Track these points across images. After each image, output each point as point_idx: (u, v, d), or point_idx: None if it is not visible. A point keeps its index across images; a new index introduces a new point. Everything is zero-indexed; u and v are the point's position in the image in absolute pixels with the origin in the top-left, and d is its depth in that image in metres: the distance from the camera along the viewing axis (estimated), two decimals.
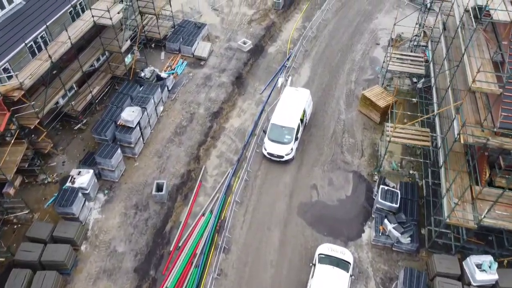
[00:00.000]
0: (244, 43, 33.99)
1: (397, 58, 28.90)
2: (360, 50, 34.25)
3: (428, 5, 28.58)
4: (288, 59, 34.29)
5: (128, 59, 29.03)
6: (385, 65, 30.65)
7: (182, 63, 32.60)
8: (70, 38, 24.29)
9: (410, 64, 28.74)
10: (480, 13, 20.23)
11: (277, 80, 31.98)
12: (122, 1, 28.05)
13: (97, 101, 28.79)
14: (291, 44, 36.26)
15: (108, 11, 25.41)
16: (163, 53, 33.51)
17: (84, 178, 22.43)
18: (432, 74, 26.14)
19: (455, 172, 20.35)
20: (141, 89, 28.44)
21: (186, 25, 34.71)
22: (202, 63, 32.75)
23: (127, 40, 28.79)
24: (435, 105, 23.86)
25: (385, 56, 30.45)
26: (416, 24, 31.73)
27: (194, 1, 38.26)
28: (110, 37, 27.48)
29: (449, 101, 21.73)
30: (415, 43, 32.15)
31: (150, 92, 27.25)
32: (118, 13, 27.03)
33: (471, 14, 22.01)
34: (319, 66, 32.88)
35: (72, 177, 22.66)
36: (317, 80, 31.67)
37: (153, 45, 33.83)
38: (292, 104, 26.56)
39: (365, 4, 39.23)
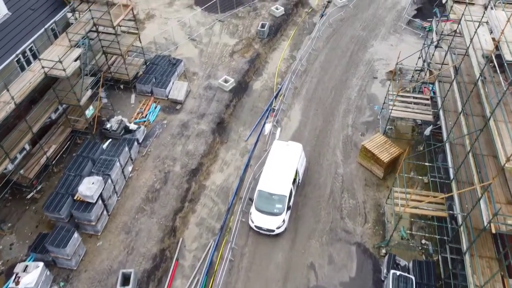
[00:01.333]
0: (226, 81, 30.05)
1: (400, 101, 25.27)
2: (356, 85, 30.55)
3: (435, 42, 24.94)
4: (275, 97, 30.50)
5: (89, 111, 24.88)
6: (385, 105, 27.09)
7: (155, 107, 28.53)
8: (13, 99, 20.15)
9: (415, 107, 25.13)
10: (510, 70, 16.64)
11: (264, 125, 28.15)
12: (79, 45, 23.91)
13: (54, 162, 24.63)
14: (278, 78, 32.47)
15: (61, 61, 21.29)
16: (133, 96, 29.40)
17: (31, 277, 18.28)
18: (443, 126, 22.51)
19: (482, 259, 16.76)
20: (105, 146, 24.38)
21: (159, 62, 30.65)
22: (178, 107, 28.71)
23: (87, 89, 24.65)
24: (451, 171, 20.15)
25: (385, 97, 26.78)
26: (419, 57, 28.15)
27: (168, 31, 34.22)
28: (66, 88, 23.36)
29: (471, 170, 18.09)
30: (420, 81, 28.58)
31: (116, 152, 23.19)
32: (76, 60, 22.93)
33: (494, 62, 18.49)
34: (311, 107, 29.08)
35: (16, 274, 18.48)
36: (310, 125, 27.87)
37: (122, 86, 29.70)
38: (283, 164, 22.72)
39: (358, 30, 35.58)
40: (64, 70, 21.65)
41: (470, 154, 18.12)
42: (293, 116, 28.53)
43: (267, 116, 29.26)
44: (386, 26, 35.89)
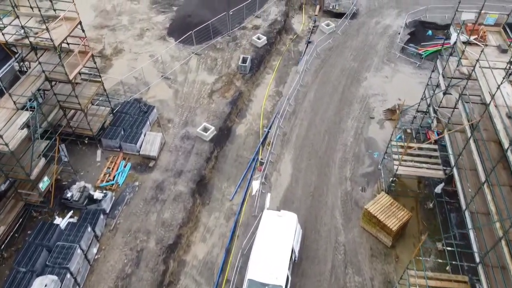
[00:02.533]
0: (205, 129, 26.49)
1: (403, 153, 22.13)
2: (351, 128, 27.34)
3: (442, 89, 21.79)
4: (262, 143, 27.10)
5: (44, 182, 21.01)
6: (387, 153, 23.98)
7: (125, 166, 24.76)
8: None
9: (422, 161, 22.03)
10: None
11: (250, 181, 24.70)
12: (28, 107, 20.06)
13: (3, 246, 20.69)
14: (264, 119, 29.08)
15: (1, 136, 17.45)
16: (99, 152, 25.55)
17: None
18: (460, 191, 19.39)
19: None
20: (63, 224, 20.58)
21: (128, 109, 26.91)
22: (151, 163, 25.01)
23: (40, 157, 20.77)
24: (476, 257, 16.92)
25: (387, 146, 23.63)
26: (422, 99, 25.11)
27: (139, 68, 30.43)
28: (11, 162, 19.47)
29: (504, 257, 14.97)
30: (426, 122, 25.58)
31: (77, 235, 19.41)
32: (22, 128, 19.10)
33: None
34: (302, 157, 25.73)
35: None
36: (303, 180, 24.51)
37: (86, 141, 25.84)
38: (276, 243, 19.27)
39: (349, 60, 32.44)
40: (6, 144, 17.81)
41: (504, 242, 15.01)
42: (283, 169, 25.11)
43: (254, 168, 25.84)
44: (379, 55, 32.84)
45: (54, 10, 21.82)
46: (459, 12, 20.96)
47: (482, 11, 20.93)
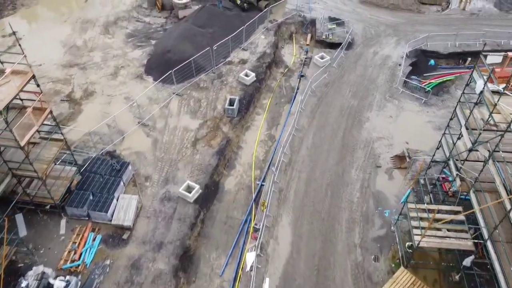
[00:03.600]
0: (189, 189, 22.85)
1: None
2: (357, 180, 23.95)
3: (470, 145, 18.42)
4: (254, 200, 23.55)
5: None
6: (401, 215, 20.63)
7: (94, 239, 20.88)
8: None
9: (446, 227, 18.65)
10: None
11: (243, 252, 21.04)
12: None
13: None
14: (256, 169, 25.57)
15: None
16: (63, 223, 21.62)
17: None
18: (498, 272, 16.02)
19: None
20: None
21: (99, 168, 23.14)
22: (125, 235, 21.17)
23: None
24: None
25: (402, 207, 20.26)
26: (438, 147, 21.87)
27: (112, 113, 26.69)
28: None
29: None
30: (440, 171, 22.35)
31: None
32: None
33: None
34: (303, 219, 22.16)
35: None
36: (305, 249, 20.89)
37: (47, 209, 21.90)
38: None
39: (348, 97, 29.23)
40: None
41: None
42: (281, 236, 21.49)
43: (246, 232, 22.22)
44: (380, 90, 29.73)
45: (1, 62, 18.13)
46: (483, 55, 17.77)
47: (510, 53, 17.84)
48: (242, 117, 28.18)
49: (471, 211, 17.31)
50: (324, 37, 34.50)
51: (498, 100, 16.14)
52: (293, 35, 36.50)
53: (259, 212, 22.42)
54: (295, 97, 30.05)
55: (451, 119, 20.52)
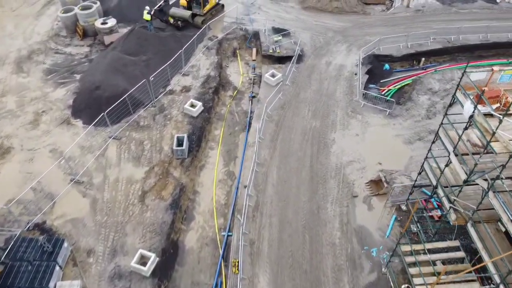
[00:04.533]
0: (143, 260, 18.94)
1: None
2: (334, 216, 21.22)
3: (464, 177, 16.12)
4: (223, 257, 20.17)
5: None
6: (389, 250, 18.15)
7: None
8: None
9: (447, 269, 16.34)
10: None
11: None
12: None
13: None
14: (219, 217, 22.16)
15: None
16: None
17: None
18: None
19: None
20: None
21: (26, 252, 18.59)
22: None
23: None
24: None
25: (396, 246, 17.75)
26: (420, 172, 19.63)
27: (37, 173, 22.05)
28: None
29: None
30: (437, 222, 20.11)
31: None
32: None
33: None
34: (283, 275, 18.99)
35: None
36: None
37: None
38: None
39: (308, 118, 26.49)
40: None
41: None
42: None
43: None
44: (341, 106, 27.32)
45: None
46: (467, 73, 15.54)
47: (495, 67, 15.79)
48: (194, 156, 24.56)
49: (482, 264, 15.01)
50: (271, 51, 31.58)
51: (497, 128, 13.90)
52: (237, 51, 33.31)
53: (231, 275, 19.02)
54: (249, 123, 26.93)
55: (433, 142, 18.27)
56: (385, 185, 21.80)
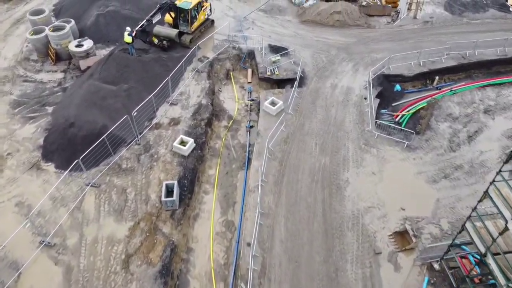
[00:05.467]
0: None
1: None
2: (357, 281, 17.82)
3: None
4: None
5: None
6: None
7: None
8: None
9: None
10: None
11: None
12: None
13: None
14: (218, 282, 18.69)
15: None
16: None
17: None
18: None
19: None
20: None
21: None
22: None
23: None
24: None
25: None
26: (461, 232, 16.43)
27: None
28: None
29: None
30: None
31: None
32: None
33: None
34: None
35: None
36: None
37: None
38: None
39: (316, 155, 23.14)
40: None
41: None
42: None
43: None
44: (352, 138, 24.05)
45: None
46: None
47: None
48: (186, 205, 21.05)
49: None
50: (269, 73, 28.21)
51: None
52: (230, 73, 29.86)
53: None
54: (248, 159, 23.57)
55: (480, 201, 15.07)
56: (414, 239, 18.56)
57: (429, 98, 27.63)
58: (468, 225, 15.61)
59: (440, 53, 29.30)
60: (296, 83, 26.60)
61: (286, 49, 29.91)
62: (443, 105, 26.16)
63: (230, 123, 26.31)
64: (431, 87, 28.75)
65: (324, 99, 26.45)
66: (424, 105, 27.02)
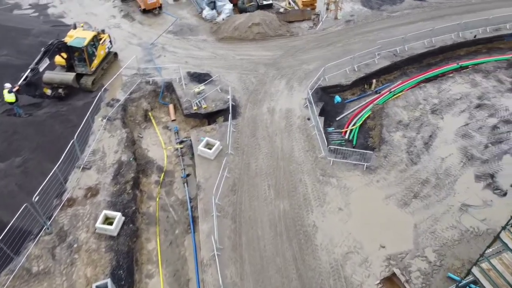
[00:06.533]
0: None
1: None
2: None
3: None
4: None
5: None
6: None
7: None
8: None
9: None
10: None
11: None
12: None
13: None
14: None
15: None
16: None
17: None
18: None
19: None
20: None
21: None
22: None
23: None
24: None
25: None
26: (469, 274, 14.03)
27: None
28: None
29: None
30: None
31: None
32: None
33: None
34: None
35: None
36: None
37: None
38: None
39: (272, 200, 19.55)
40: None
41: None
42: None
43: None
44: (306, 170, 20.98)
45: None
46: None
47: None
48: None
49: None
50: (195, 107, 24.22)
51: None
52: (149, 113, 25.34)
53: None
54: (192, 219, 19.59)
55: (488, 247, 12.69)
56: (407, 287, 15.98)
57: (371, 104, 25.72)
58: (475, 270, 13.24)
59: (371, 54, 27.51)
60: (230, 115, 22.92)
61: (209, 75, 26.13)
62: (390, 112, 24.22)
63: (162, 176, 21.94)
64: (371, 91, 26.88)
65: (265, 128, 23.14)
66: (369, 113, 24.98)
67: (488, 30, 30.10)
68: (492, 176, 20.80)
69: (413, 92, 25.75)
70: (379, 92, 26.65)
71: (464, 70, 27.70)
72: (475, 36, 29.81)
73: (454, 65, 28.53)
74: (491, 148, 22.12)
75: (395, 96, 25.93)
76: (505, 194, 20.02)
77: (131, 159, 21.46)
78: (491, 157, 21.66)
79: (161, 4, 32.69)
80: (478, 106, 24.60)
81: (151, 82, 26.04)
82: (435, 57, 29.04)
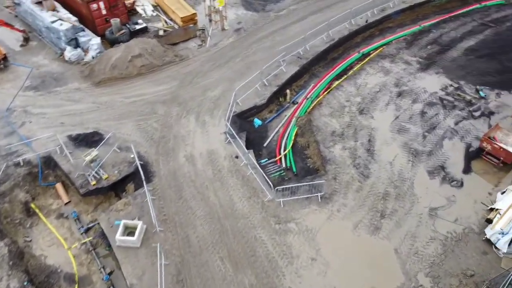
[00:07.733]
0: None
1: None
2: None
3: None
4: None
5: None
6: None
7: None
8: None
9: None
10: None
11: None
12: None
13: None
14: None
15: None
16: None
17: None
18: None
19: None
20: None
21: None
22: None
23: None
24: None
25: None
26: None
27: None
28: None
29: None
30: None
31: None
32: None
33: None
34: None
35: None
36: None
37: None
38: None
39: (233, 276, 15.57)
40: None
41: None
42: None
43: None
44: (257, 222, 17.24)
45: None
46: None
47: None
48: None
49: None
50: (93, 182, 18.71)
51: None
52: (32, 205, 19.02)
53: None
54: None
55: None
56: None
57: (293, 118, 23.02)
58: None
59: (277, 63, 24.74)
60: (143, 179, 18.02)
61: (98, 133, 20.68)
62: (319, 124, 21.81)
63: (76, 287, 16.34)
64: (288, 104, 24.15)
65: (191, 184, 18.77)
66: (295, 129, 22.21)
67: (376, 12, 29.56)
68: (442, 167, 19.71)
69: (333, 95, 23.73)
70: (297, 102, 24.07)
71: (369, 58, 26.63)
72: (366, 21, 29.07)
73: (356, 55, 27.34)
74: (429, 137, 21.12)
75: (314, 103, 23.61)
76: (462, 184, 19.05)
77: (25, 283, 15.44)
78: (433, 147, 20.63)
79: (4, 54, 25.39)
80: (400, 95, 23.58)
81: (21, 163, 19.58)
82: (336, 50, 27.51)
